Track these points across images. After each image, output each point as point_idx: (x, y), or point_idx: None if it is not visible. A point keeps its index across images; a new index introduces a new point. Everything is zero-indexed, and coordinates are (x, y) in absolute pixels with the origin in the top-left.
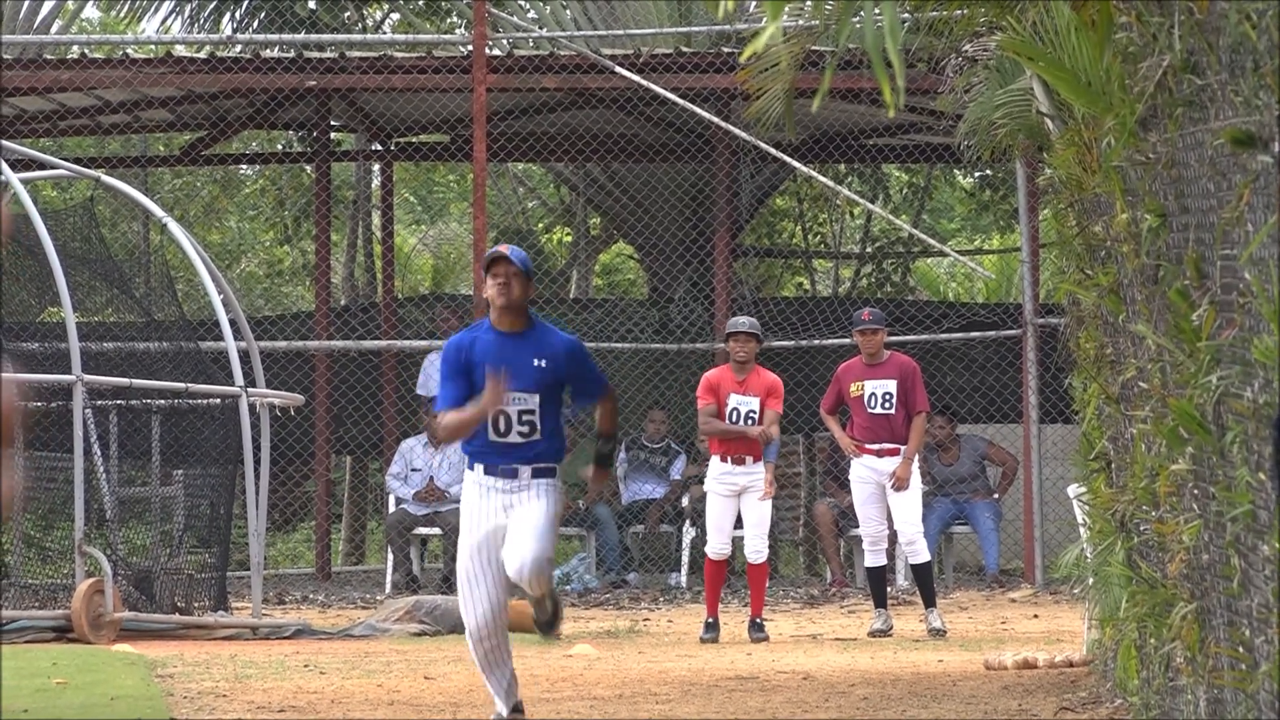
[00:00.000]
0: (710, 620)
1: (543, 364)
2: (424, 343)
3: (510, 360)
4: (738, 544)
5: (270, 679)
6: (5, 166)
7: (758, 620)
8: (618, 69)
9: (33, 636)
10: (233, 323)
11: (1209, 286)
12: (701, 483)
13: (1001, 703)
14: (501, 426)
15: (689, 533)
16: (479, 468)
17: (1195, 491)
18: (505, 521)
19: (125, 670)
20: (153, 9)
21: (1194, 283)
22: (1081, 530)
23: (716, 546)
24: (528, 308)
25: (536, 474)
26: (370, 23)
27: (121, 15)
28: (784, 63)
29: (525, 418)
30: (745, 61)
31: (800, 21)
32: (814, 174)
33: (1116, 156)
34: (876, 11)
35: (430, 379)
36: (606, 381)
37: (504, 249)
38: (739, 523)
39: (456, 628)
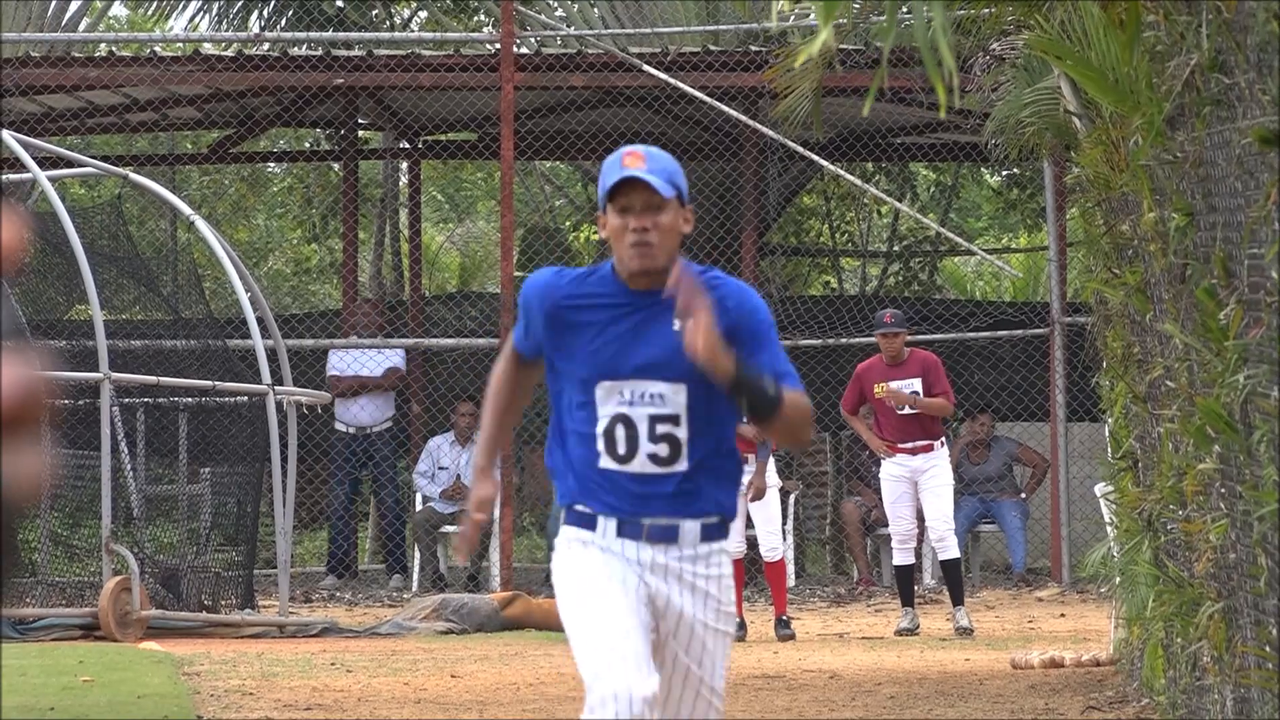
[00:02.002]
0: (737, 620)
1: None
2: (451, 340)
3: (636, 330)
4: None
5: (297, 677)
6: (34, 164)
7: (783, 618)
8: (645, 67)
9: (60, 634)
10: (260, 320)
11: (1236, 285)
12: None
13: (1028, 702)
14: (620, 443)
15: None
16: (608, 526)
17: (1222, 490)
18: (646, 613)
19: (152, 668)
20: (181, 7)
21: (1221, 282)
22: (1108, 529)
23: (732, 545)
24: (678, 252)
25: (708, 536)
26: (398, 21)
27: (149, 13)
28: (813, 61)
29: (661, 428)
30: (775, 60)
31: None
32: (841, 172)
33: (1144, 155)
34: (926, 10)
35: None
36: (795, 374)
37: (636, 160)
38: (750, 522)
39: (483, 626)
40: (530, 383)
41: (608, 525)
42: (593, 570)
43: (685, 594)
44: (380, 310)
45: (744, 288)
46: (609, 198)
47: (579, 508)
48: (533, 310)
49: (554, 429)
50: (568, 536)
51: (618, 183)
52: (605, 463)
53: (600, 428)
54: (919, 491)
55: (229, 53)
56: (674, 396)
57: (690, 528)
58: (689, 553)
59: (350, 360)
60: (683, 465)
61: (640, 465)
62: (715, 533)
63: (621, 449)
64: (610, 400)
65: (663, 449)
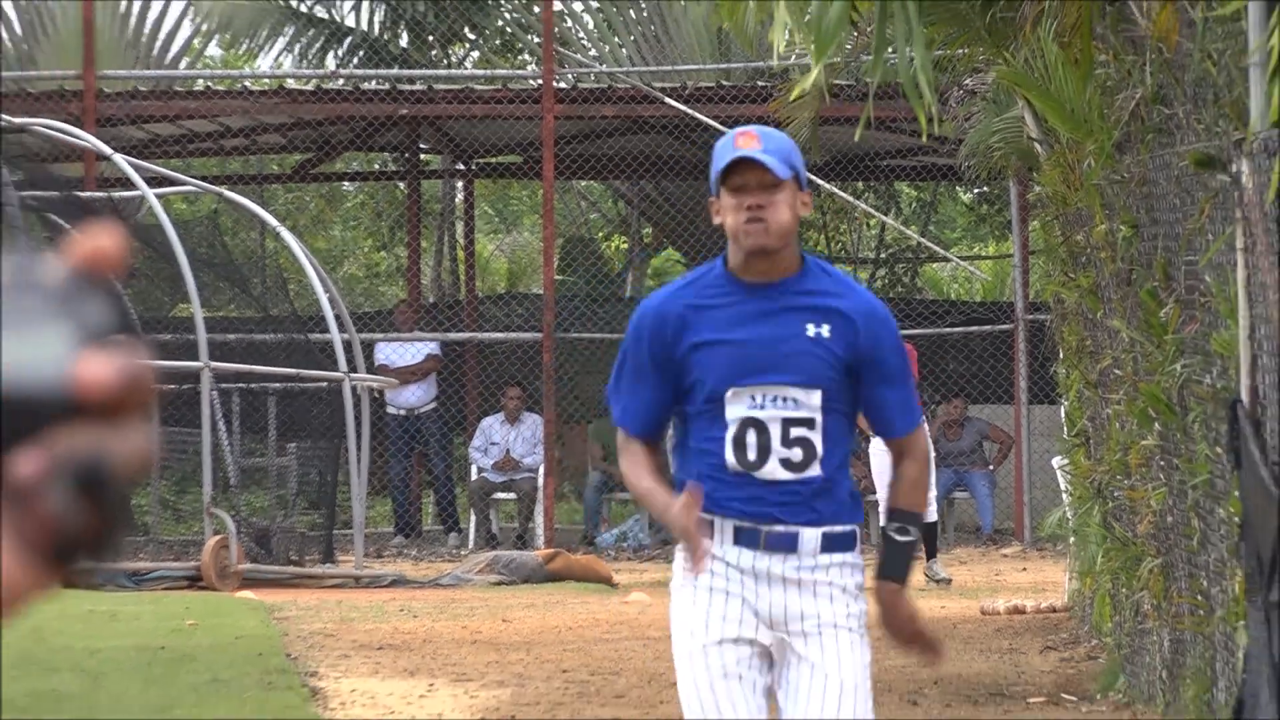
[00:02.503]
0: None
1: (823, 332)
2: (501, 335)
3: (764, 332)
4: None
5: (371, 621)
6: (142, 183)
7: None
8: (667, 100)
9: (168, 585)
10: (337, 318)
11: (1174, 288)
12: None
13: (994, 642)
14: (751, 449)
15: None
16: (725, 529)
17: (1161, 463)
18: (774, 640)
19: (247, 614)
20: (267, 47)
21: (1161, 285)
22: (1064, 496)
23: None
24: (797, 241)
25: (830, 546)
26: (454, 59)
27: (240, 53)
28: (809, 94)
29: (795, 432)
30: (778, 94)
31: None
32: (836, 190)
33: (1096, 176)
34: (909, 51)
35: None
36: (920, 409)
37: (751, 140)
38: None
39: (529, 578)
40: (660, 453)
41: (724, 531)
42: (713, 615)
43: (808, 596)
44: (416, 309)
45: (873, 303)
46: (721, 180)
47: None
48: (640, 340)
49: (678, 446)
50: (682, 572)
51: (731, 163)
52: (734, 467)
53: (730, 433)
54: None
55: (309, 87)
56: (807, 399)
57: (810, 536)
58: (809, 563)
59: (396, 351)
60: (817, 470)
61: (771, 471)
62: (839, 543)
63: (752, 454)
64: (739, 404)
65: (796, 453)
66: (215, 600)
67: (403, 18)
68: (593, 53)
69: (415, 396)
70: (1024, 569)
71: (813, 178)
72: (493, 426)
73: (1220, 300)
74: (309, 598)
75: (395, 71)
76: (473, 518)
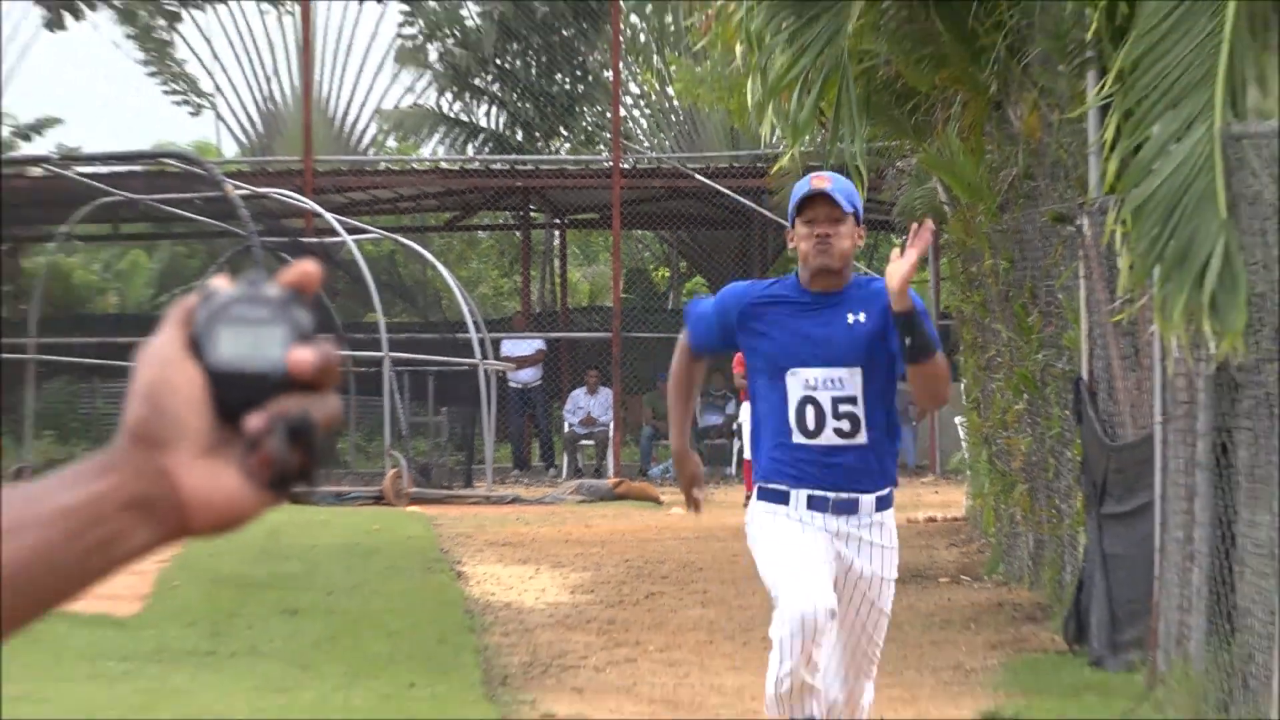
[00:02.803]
0: (749, 494)
1: (862, 318)
2: (583, 334)
3: (816, 328)
4: None
5: (496, 527)
6: (343, 232)
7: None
8: (696, 175)
9: (361, 502)
10: (475, 323)
11: (1038, 302)
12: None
13: (916, 541)
14: (810, 420)
15: (736, 444)
16: (799, 498)
17: (1028, 421)
18: (832, 558)
19: (414, 522)
20: (427, 140)
21: (1029, 300)
22: (963, 443)
23: (749, 452)
24: (851, 263)
25: (881, 506)
26: (553, 148)
27: (409, 144)
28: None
29: (844, 408)
30: (769, 169)
31: (802, 148)
32: None
33: (985, 227)
34: (853, 144)
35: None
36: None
37: (823, 181)
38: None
39: (603, 498)
40: (699, 374)
41: (799, 498)
42: (787, 527)
43: (865, 553)
44: (527, 317)
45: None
46: (798, 211)
47: (771, 486)
48: (729, 312)
49: (752, 417)
50: (761, 510)
51: (807, 197)
52: (797, 438)
53: (791, 408)
54: None
55: (455, 167)
56: (851, 379)
57: (867, 501)
58: (866, 521)
59: (515, 346)
60: (863, 438)
61: (828, 438)
62: (886, 503)
63: (811, 425)
64: (798, 385)
65: (845, 424)
66: (392, 513)
67: (518, 120)
68: (646, 144)
69: (527, 376)
70: (936, 492)
71: (782, 221)
72: (579, 396)
73: (1068, 311)
74: (455, 511)
75: (513, 157)
76: (565, 458)
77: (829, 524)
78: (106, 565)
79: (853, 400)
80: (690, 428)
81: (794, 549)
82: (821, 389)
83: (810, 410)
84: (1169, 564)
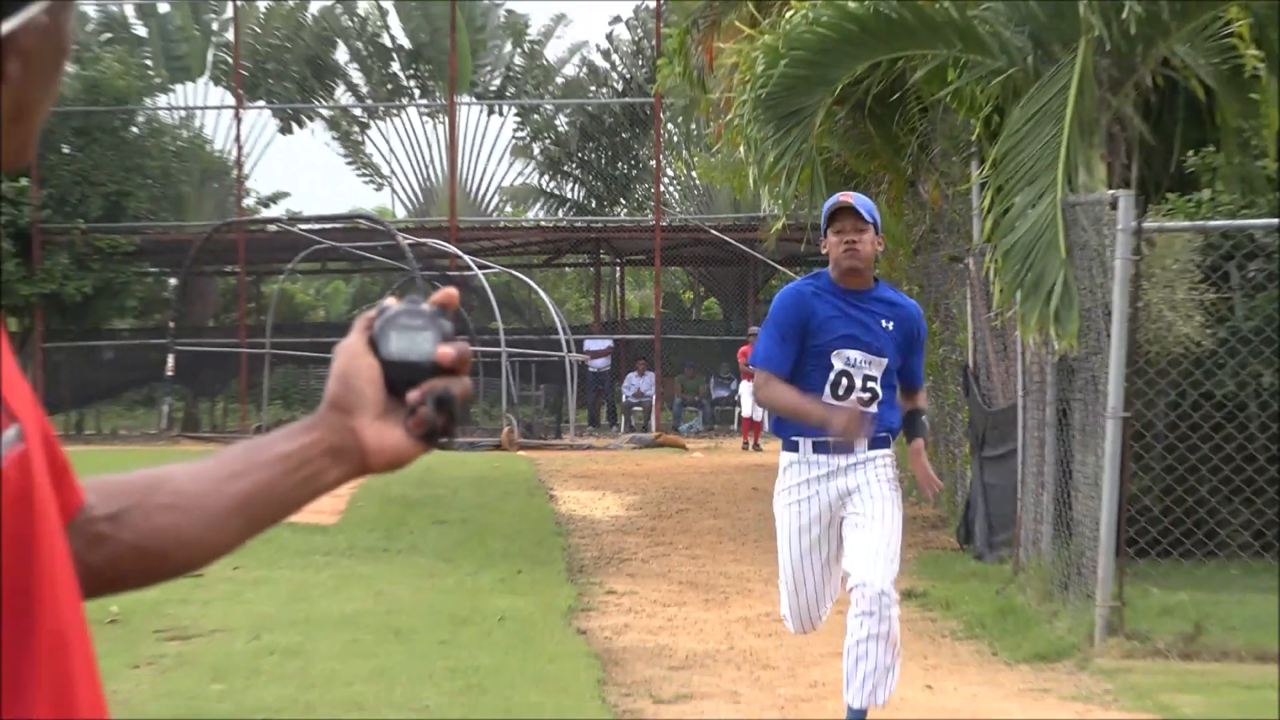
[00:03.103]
0: (746, 442)
1: (890, 326)
2: (636, 336)
3: (858, 319)
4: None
5: (577, 465)
6: (475, 267)
7: (757, 444)
8: (711, 230)
9: (485, 449)
10: (562, 329)
11: (939, 315)
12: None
13: None
14: (842, 388)
15: (737, 409)
16: (806, 444)
17: (933, 394)
18: (841, 513)
19: (521, 462)
20: (532, 206)
21: (933, 313)
22: None
23: (746, 411)
24: (872, 266)
25: (874, 444)
26: (614, 211)
27: (519, 208)
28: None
29: (869, 384)
30: (764, 227)
31: (783, 214)
32: (786, 270)
33: (903, 264)
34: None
35: (629, 381)
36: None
37: (848, 198)
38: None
39: (648, 446)
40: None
41: (805, 444)
42: (795, 527)
43: (862, 471)
44: (599, 324)
45: (914, 305)
46: (828, 222)
47: (792, 438)
48: (798, 321)
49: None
50: (783, 464)
51: (836, 210)
52: (828, 399)
53: (829, 378)
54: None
55: (550, 224)
56: (878, 364)
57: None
58: (861, 456)
59: (592, 344)
60: (874, 407)
61: (852, 403)
62: (880, 444)
63: (841, 391)
64: (840, 361)
65: (866, 395)
66: (506, 456)
67: (592, 193)
68: (677, 209)
69: (600, 364)
70: None
71: (775, 265)
72: (632, 377)
73: (959, 321)
74: (549, 455)
75: (588, 218)
76: (622, 419)
77: (830, 462)
78: (311, 493)
79: (874, 379)
80: (808, 402)
81: (796, 566)
82: (857, 367)
83: (844, 381)
84: (1027, 490)
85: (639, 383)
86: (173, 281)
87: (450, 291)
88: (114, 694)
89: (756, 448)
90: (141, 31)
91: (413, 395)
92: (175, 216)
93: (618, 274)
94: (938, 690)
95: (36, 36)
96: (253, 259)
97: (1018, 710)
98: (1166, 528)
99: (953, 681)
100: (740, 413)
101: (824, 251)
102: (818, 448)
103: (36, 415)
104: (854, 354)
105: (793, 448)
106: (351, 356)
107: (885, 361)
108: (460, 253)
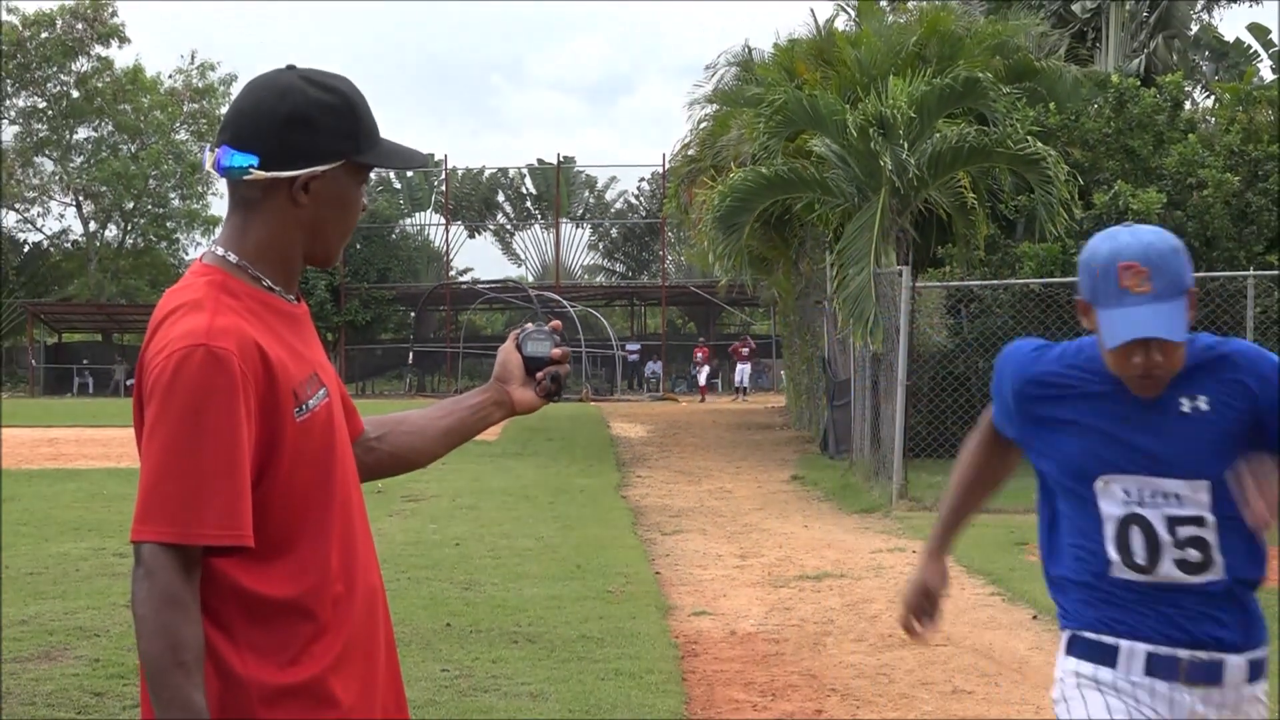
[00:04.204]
0: (701, 398)
1: (1201, 405)
2: (652, 343)
3: (1135, 423)
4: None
5: (623, 409)
6: (569, 306)
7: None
8: (692, 287)
9: (574, 401)
10: (611, 337)
11: (810, 336)
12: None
13: (768, 415)
14: (1139, 551)
15: (697, 380)
16: (1131, 659)
17: (805, 373)
18: None
19: (592, 408)
20: (597, 275)
21: (807, 332)
22: (783, 379)
23: (737, 381)
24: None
25: (1255, 674)
26: (639, 277)
27: (590, 277)
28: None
29: (1185, 531)
30: (718, 287)
31: (728, 278)
32: (734, 310)
33: (792, 306)
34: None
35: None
36: None
37: (1138, 267)
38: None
39: (661, 399)
40: (1010, 461)
41: (1133, 658)
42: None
43: None
44: (634, 337)
45: (1255, 351)
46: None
47: (1089, 635)
48: (1004, 384)
49: (1043, 509)
50: (1073, 672)
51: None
52: (1121, 572)
53: (1110, 531)
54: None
55: (607, 285)
56: (1193, 495)
57: (1236, 664)
58: (1232, 697)
59: (631, 345)
60: (1218, 574)
61: (1167, 572)
62: (1261, 669)
63: (1140, 557)
64: (1113, 498)
65: (1192, 553)
66: (582, 406)
67: (628, 266)
68: (673, 276)
69: (634, 357)
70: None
71: (727, 306)
72: (651, 363)
73: (822, 338)
74: (607, 405)
75: (627, 280)
76: (645, 386)
77: (1176, 698)
78: (484, 426)
79: (1197, 521)
80: (955, 534)
81: None
82: (1149, 506)
83: (1138, 534)
84: (856, 422)
85: (654, 366)
86: (412, 314)
87: (557, 322)
88: (379, 531)
89: (743, 394)
90: (397, 185)
91: (539, 374)
92: (412, 280)
93: (643, 310)
94: (811, 528)
95: (320, 184)
96: (454, 303)
97: (851, 539)
98: (928, 443)
99: (819, 524)
100: (699, 382)
101: (1086, 324)
102: (1156, 665)
103: (337, 382)
104: (1134, 482)
105: (1102, 658)
106: (508, 353)
107: (1204, 485)
108: (561, 299)
